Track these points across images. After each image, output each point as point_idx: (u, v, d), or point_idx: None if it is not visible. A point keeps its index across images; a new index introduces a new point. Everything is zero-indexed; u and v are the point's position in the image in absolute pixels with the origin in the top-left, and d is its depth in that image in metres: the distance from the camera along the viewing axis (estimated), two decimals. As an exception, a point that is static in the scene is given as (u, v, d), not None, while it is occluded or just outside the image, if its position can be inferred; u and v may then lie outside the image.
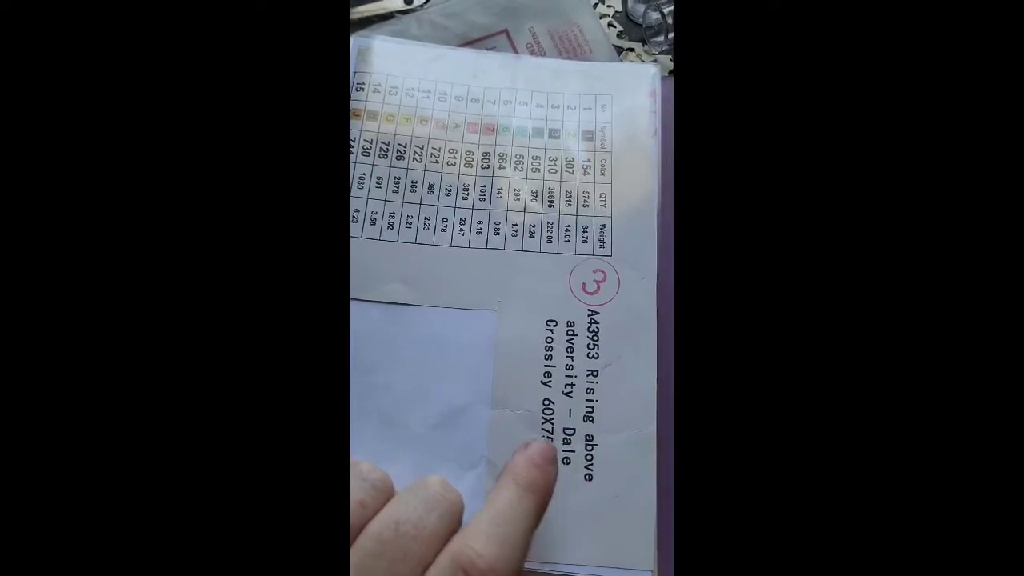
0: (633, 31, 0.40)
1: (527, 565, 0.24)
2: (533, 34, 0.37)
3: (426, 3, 0.38)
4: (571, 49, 0.37)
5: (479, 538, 0.20)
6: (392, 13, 0.38)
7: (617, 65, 0.36)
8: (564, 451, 0.26)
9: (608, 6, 0.40)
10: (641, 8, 0.39)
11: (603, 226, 0.30)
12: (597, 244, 0.30)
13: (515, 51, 0.37)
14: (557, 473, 0.23)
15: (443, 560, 0.19)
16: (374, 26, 0.37)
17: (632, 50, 0.39)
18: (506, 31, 0.37)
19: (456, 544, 0.20)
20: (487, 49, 0.37)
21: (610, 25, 0.40)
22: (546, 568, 0.24)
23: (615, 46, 0.38)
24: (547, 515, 0.23)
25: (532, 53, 0.37)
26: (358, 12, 0.38)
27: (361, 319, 0.28)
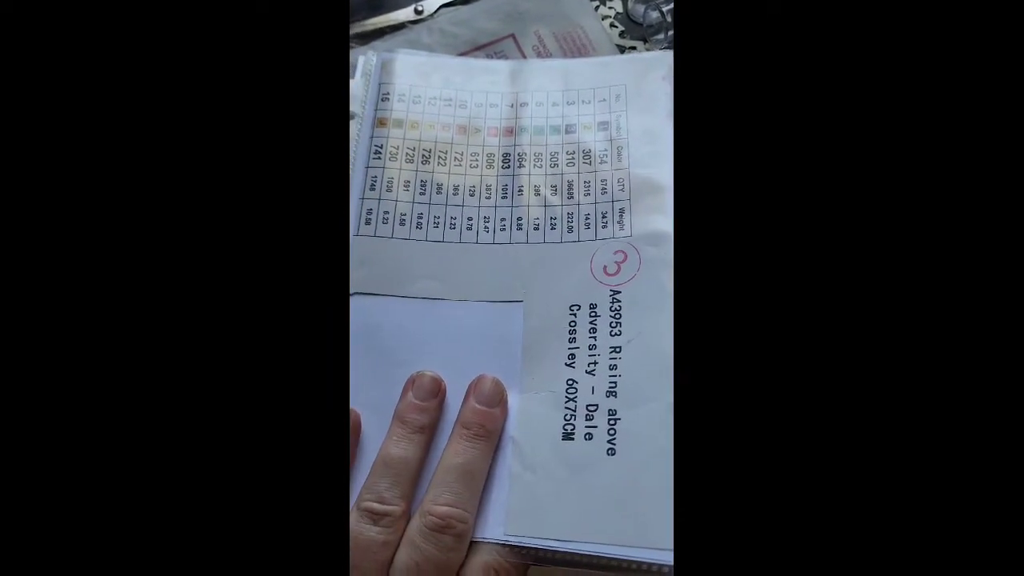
0: (634, 30, 0.41)
1: (549, 544, 0.25)
2: (539, 37, 0.39)
3: (435, 12, 0.40)
4: (575, 50, 0.39)
5: (435, 493, 0.25)
6: (403, 23, 0.40)
7: (630, 55, 0.37)
8: (587, 427, 0.27)
9: (609, 7, 0.42)
10: (641, 8, 0.41)
11: (622, 209, 0.31)
12: (617, 227, 0.31)
13: (522, 54, 0.39)
14: (506, 412, 0.27)
15: (415, 521, 0.24)
16: (386, 37, 0.39)
17: (634, 48, 0.41)
18: (512, 35, 0.39)
19: (423, 505, 0.25)
20: (495, 53, 0.39)
21: (612, 25, 0.41)
22: (568, 547, 0.25)
23: (617, 45, 0.40)
24: (570, 492, 0.26)
25: (538, 55, 0.38)
26: (371, 24, 0.40)
27: (393, 314, 0.30)
